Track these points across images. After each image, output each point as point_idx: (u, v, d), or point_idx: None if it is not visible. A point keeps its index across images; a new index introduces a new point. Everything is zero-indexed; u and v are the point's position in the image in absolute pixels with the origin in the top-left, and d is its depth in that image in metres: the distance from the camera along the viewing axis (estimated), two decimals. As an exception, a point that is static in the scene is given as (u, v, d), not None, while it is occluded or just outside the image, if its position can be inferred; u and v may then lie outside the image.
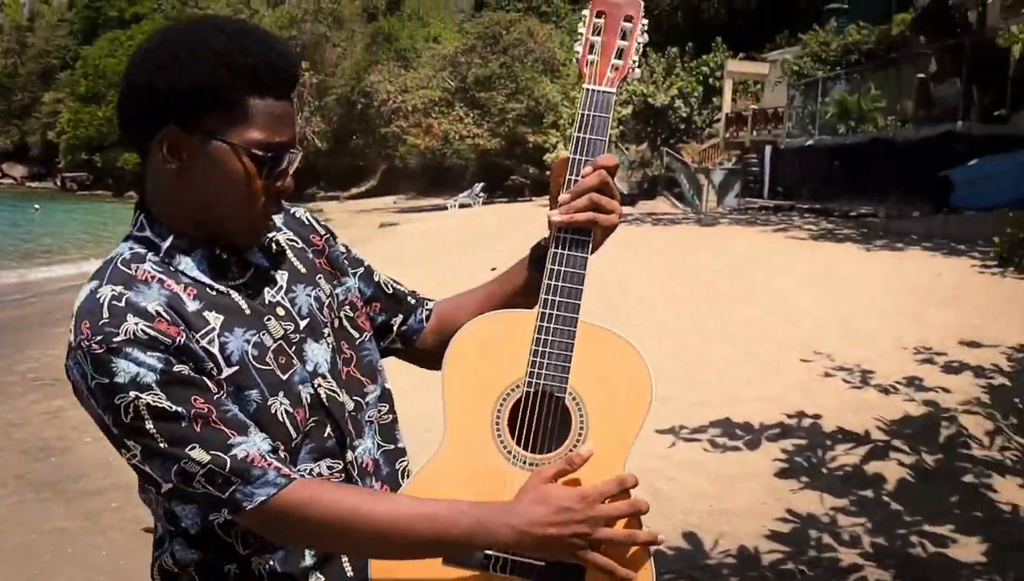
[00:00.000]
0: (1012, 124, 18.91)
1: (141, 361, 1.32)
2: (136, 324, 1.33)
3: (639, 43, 1.61)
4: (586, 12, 1.62)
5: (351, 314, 1.65)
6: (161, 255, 1.44)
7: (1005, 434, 6.38)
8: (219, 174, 1.41)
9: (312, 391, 1.49)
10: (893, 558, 4.80)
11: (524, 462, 1.47)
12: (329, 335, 1.57)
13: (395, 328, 1.75)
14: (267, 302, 1.51)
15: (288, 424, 1.44)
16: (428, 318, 1.78)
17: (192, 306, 1.40)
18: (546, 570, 1.44)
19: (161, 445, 1.32)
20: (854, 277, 11.43)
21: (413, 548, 1.39)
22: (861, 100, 22.84)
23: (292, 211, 1.67)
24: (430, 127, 37.98)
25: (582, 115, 1.57)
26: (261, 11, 53.25)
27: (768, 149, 27.14)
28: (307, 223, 1.67)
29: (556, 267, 1.52)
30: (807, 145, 24.52)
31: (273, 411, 1.43)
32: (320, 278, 1.61)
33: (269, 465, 1.35)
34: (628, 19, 1.60)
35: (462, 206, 37.80)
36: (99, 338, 1.31)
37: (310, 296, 1.57)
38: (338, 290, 1.65)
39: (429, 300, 1.82)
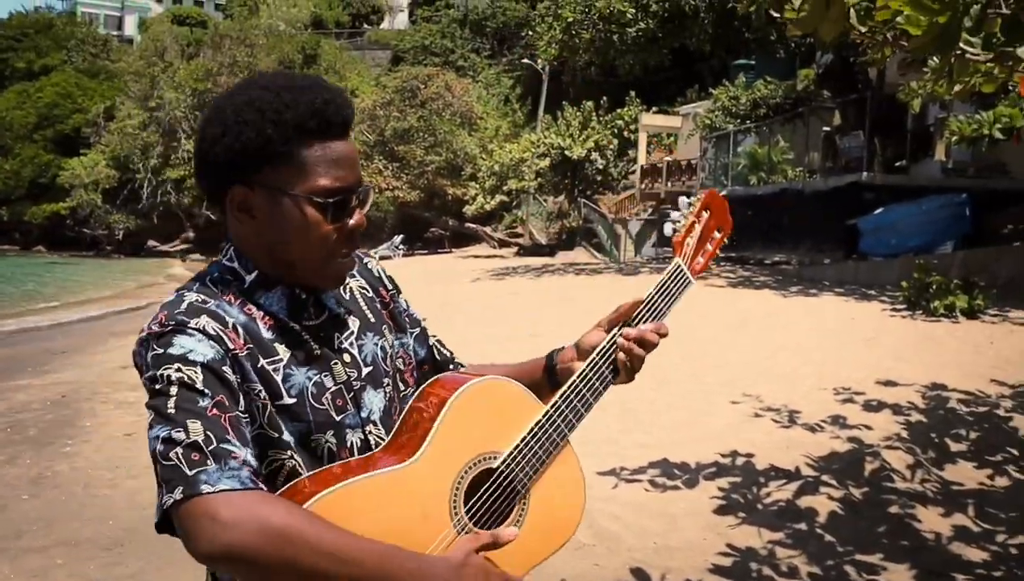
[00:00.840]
0: (912, 174, 19.86)
1: (199, 344, 1.43)
2: (208, 323, 1.46)
3: (718, 253, 1.92)
4: (698, 197, 1.90)
5: (400, 368, 1.74)
6: (245, 287, 1.56)
7: (925, 467, 6.75)
8: (286, 225, 1.51)
9: (362, 436, 1.60)
10: (829, 586, 5.08)
11: (459, 523, 1.52)
12: (388, 385, 1.68)
13: None
14: (336, 347, 1.61)
15: (326, 460, 1.54)
16: None
17: (267, 334, 1.53)
18: None
19: (170, 409, 1.37)
20: (774, 322, 11.87)
21: (343, 576, 1.35)
22: (771, 152, 23.70)
23: (365, 261, 1.78)
24: (349, 180, 38.13)
25: (665, 282, 1.81)
26: (176, 63, 52.80)
27: (683, 200, 27.87)
28: (377, 275, 1.79)
29: (578, 388, 1.68)
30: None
31: (314, 446, 1.54)
32: (385, 329, 1.72)
33: (249, 470, 1.37)
34: (720, 230, 1.90)
35: (382, 258, 37.84)
36: (172, 322, 1.45)
37: (376, 345, 1.68)
38: (395, 343, 1.75)
39: (462, 365, 1.90)
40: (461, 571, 1.43)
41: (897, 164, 20.35)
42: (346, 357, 1.62)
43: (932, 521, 5.98)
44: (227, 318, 1.50)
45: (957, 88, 5.87)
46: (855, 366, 9.21)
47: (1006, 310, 12.41)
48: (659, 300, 1.79)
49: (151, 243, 54.94)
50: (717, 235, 1.89)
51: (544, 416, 1.63)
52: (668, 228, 1.84)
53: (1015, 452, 7.18)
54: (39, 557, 5.63)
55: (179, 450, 1.35)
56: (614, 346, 1.74)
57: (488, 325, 12.13)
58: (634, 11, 17.73)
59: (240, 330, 1.50)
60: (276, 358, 1.52)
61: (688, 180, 29.78)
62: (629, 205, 35.01)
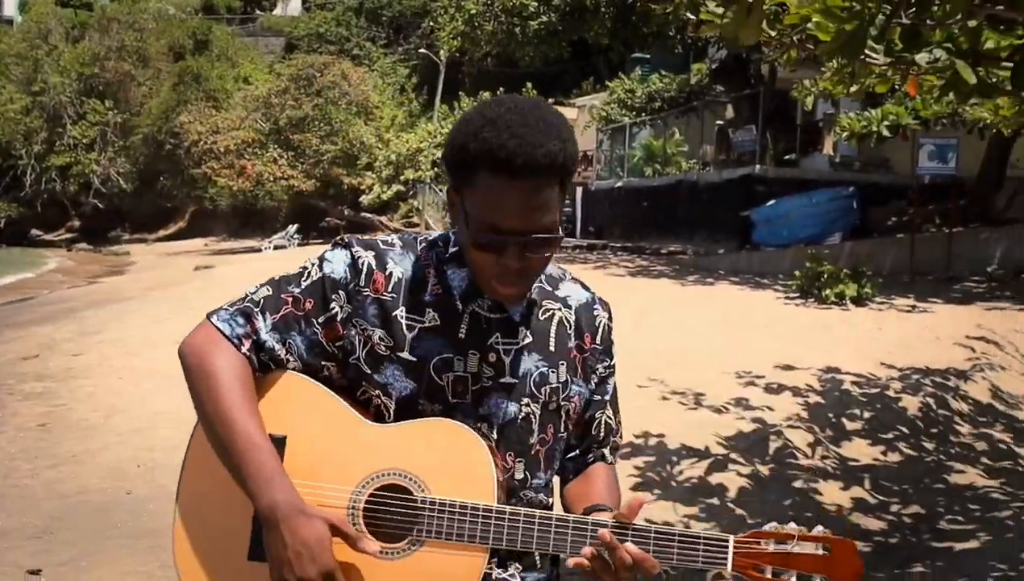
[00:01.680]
0: (802, 168, 20.63)
1: (340, 265, 1.69)
2: (369, 260, 1.69)
3: None
4: (825, 530, 1.67)
5: (570, 412, 1.78)
6: (445, 256, 1.72)
7: (824, 444, 7.16)
8: (461, 232, 1.67)
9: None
10: (742, 555, 5.39)
11: (355, 500, 1.63)
12: (530, 404, 1.72)
13: (570, 461, 1.86)
14: (486, 344, 1.69)
15: None
16: (582, 469, 1.87)
17: (426, 298, 1.69)
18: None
19: (272, 278, 1.74)
20: (674, 310, 12.27)
21: (220, 441, 1.60)
22: (666, 144, 24.30)
23: (595, 306, 1.83)
24: (243, 169, 37.45)
25: (696, 538, 1.61)
26: (60, 47, 51.10)
27: (579, 190, 28.34)
28: (596, 324, 1.82)
29: (554, 524, 1.62)
30: (616, 186, 25.78)
31: (420, 408, 1.66)
32: (563, 365, 1.75)
33: (249, 339, 1.67)
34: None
35: (277, 248, 37.38)
36: (354, 240, 1.72)
37: (538, 369, 1.73)
38: (573, 387, 1.77)
39: (608, 457, 1.90)
40: (297, 522, 1.53)
41: (787, 157, 21.11)
42: (491, 356, 1.70)
43: (833, 494, 6.37)
44: (393, 268, 1.70)
45: (854, 89, 6.26)
46: (754, 351, 9.61)
47: (891, 298, 13.06)
48: (662, 549, 1.62)
49: (35, 232, 53.08)
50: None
51: (485, 509, 1.61)
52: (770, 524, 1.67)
53: (905, 430, 7.66)
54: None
55: (242, 295, 1.74)
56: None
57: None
58: (536, 4, 17.96)
59: (396, 281, 1.69)
60: (418, 318, 1.68)
61: (584, 170, 30.23)
62: (526, 196, 35.35)
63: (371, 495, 1.62)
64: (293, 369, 1.70)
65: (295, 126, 38.28)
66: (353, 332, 1.68)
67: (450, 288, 1.70)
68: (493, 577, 1.72)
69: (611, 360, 1.85)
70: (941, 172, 15.18)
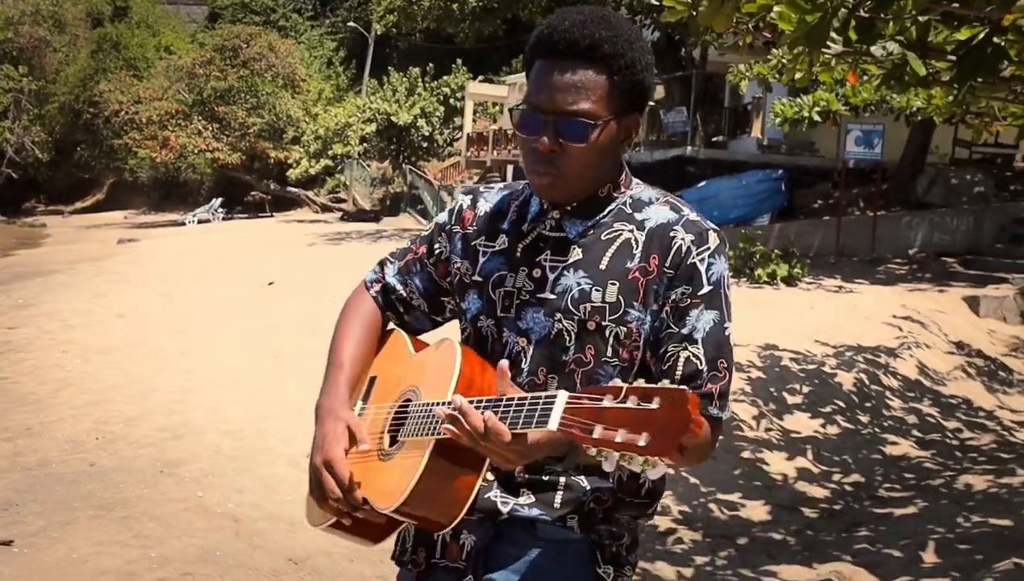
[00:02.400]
0: (730, 149, 21.09)
1: (445, 212, 1.96)
2: (464, 201, 1.93)
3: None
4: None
5: (623, 337, 1.71)
6: (532, 191, 1.84)
7: (767, 418, 7.48)
8: None
9: (515, 342, 1.77)
10: (699, 521, 5.67)
11: (375, 417, 1.89)
12: (564, 321, 1.71)
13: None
14: (536, 259, 1.76)
15: (489, 344, 1.80)
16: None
17: (504, 225, 1.85)
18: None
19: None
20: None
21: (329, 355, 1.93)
22: (597, 124, 24.57)
23: (675, 228, 1.72)
24: (167, 140, 36.78)
25: (530, 399, 1.53)
26: (-29, 11, 49.35)
27: (511, 168, 28.51)
28: (670, 247, 1.70)
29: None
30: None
31: (480, 325, 1.83)
32: (614, 285, 1.70)
33: (377, 285, 1.98)
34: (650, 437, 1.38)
35: (201, 221, 36.86)
36: (466, 188, 2.00)
37: (579, 285, 1.72)
38: (630, 311, 1.70)
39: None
40: (326, 419, 1.81)
41: (715, 139, 21.55)
42: (536, 272, 1.75)
43: (778, 464, 6.69)
44: (483, 203, 1.91)
45: (799, 76, 6.54)
46: (695, 328, 9.90)
47: (820, 278, 13.51)
48: (513, 412, 1.55)
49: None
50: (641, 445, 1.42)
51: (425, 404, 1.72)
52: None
53: (842, 404, 8.03)
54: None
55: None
56: None
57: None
58: (476, -19, 18.05)
59: (484, 214, 1.89)
60: (491, 244, 1.84)
61: (515, 149, 30.42)
62: (454, 173, 35.44)
63: (398, 409, 1.81)
64: (418, 306, 1.95)
65: (220, 98, 37.72)
66: (453, 268, 1.89)
67: (525, 216, 1.82)
68: (498, 505, 1.76)
69: (695, 289, 1.70)
70: (867, 157, 15.70)
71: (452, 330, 1.99)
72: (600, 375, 1.72)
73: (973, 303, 12.03)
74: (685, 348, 1.70)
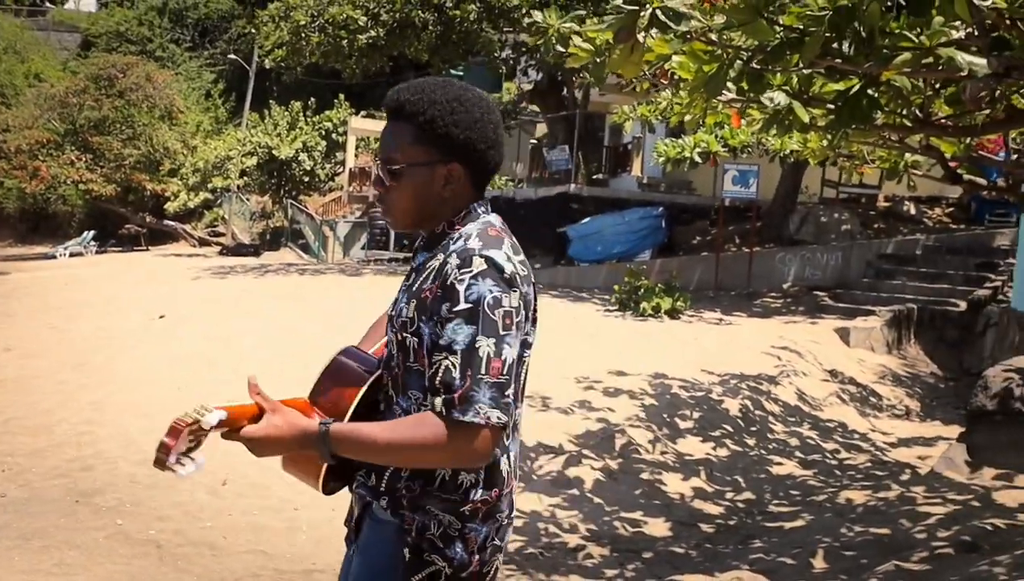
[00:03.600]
0: (612, 187, 21.76)
1: None
2: None
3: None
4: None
5: (415, 346, 2.01)
6: None
7: (662, 441, 7.85)
8: None
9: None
10: (606, 538, 5.96)
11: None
12: (390, 332, 2.10)
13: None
14: (402, 286, 2.14)
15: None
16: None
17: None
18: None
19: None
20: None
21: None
22: (482, 161, 24.97)
23: (450, 257, 1.96)
24: (37, 170, 35.63)
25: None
26: None
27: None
28: (443, 273, 1.96)
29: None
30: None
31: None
32: (413, 302, 2.01)
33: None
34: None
35: (73, 254, 35.81)
36: None
37: (400, 304, 2.07)
38: (420, 325, 2.00)
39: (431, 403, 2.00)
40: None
41: (595, 177, 22.19)
42: (396, 296, 2.15)
43: (675, 484, 7.05)
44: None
45: (689, 118, 7.00)
46: (586, 359, 10.27)
47: (701, 311, 14.10)
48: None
49: None
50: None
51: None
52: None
53: (729, 428, 8.47)
54: None
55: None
56: None
57: (247, 320, 12.25)
58: (365, 19, 18.19)
59: None
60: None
61: (398, 185, 30.55)
62: (336, 207, 35.35)
63: None
64: None
65: (95, 128, 36.74)
66: None
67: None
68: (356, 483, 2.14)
69: (452, 305, 1.91)
70: (743, 196, 16.47)
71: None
72: (408, 382, 2.04)
73: (844, 334, 12.73)
74: (446, 358, 1.91)
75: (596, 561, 5.58)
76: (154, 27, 48.30)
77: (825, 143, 7.45)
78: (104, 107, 36.80)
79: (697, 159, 13.98)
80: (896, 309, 13.45)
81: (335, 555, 5.45)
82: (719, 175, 16.99)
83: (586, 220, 18.99)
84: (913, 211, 19.19)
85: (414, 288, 2.03)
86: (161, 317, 12.84)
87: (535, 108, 26.26)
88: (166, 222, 38.39)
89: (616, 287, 14.37)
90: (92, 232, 38.47)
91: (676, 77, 6.03)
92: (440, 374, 1.90)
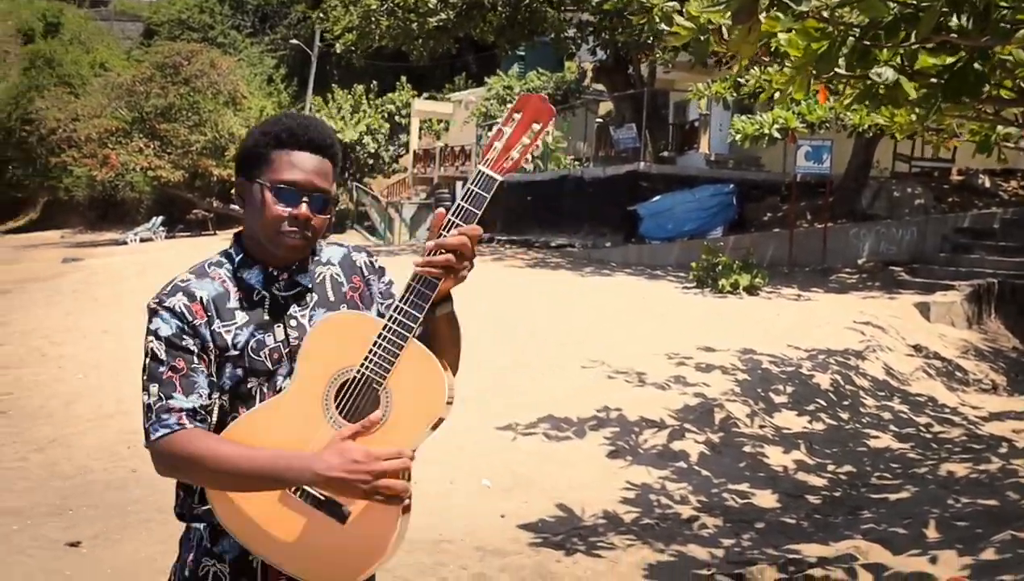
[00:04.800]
0: (679, 165, 21.76)
1: (164, 323, 2.00)
2: (178, 301, 2.03)
3: (540, 143, 2.15)
4: (509, 106, 2.27)
5: None
6: (235, 266, 2.11)
7: (759, 415, 7.98)
8: (255, 205, 2.06)
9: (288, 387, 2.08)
10: (717, 509, 6.13)
11: (334, 421, 1.99)
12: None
13: None
14: (287, 314, 2.12)
15: (256, 399, 2.07)
16: None
17: (232, 304, 2.08)
18: (327, 503, 1.96)
19: (144, 378, 2.00)
20: (586, 299, 12.98)
21: (244, 480, 1.95)
22: (547, 140, 25.10)
23: (352, 255, 2.23)
24: (107, 158, 36.39)
25: (468, 189, 2.01)
26: None
27: (460, 185, 28.88)
28: (356, 266, 2.22)
29: (407, 295, 1.99)
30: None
31: (249, 386, 2.06)
32: (343, 307, 2.16)
33: (178, 416, 1.95)
34: (538, 122, 2.04)
35: (143, 240, 36.57)
36: (156, 302, 2.04)
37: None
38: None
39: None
40: (324, 455, 1.92)
41: (662, 155, 22.20)
42: (292, 322, 2.12)
43: (777, 457, 7.19)
44: (198, 293, 2.05)
45: (777, 96, 7.09)
46: (674, 335, 10.40)
47: (778, 287, 14.13)
48: (466, 205, 2.01)
49: None
50: (536, 127, 2.04)
51: (382, 328, 1.99)
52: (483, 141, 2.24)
53: (823, 403, 8.57)
54: (-12, 523, 5.74)
55: (144, 411, 2.00)
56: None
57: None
58: (435, 2, 18.39)
59: (206, 302, 2.05)
60: (231, 322, 2.07)
61: (462, 165, 30.77)
62: (401, 189, 35.68)
63: (337, 409, 2.01)
64: (221, 401, 2.06)
65: (161, 115, 37.42)
66: (207, 358, 2.05)
67: (251, 287, 2.11)
68: None
69: (388, 277, 2.26)
70: (816, 172, 16.42)
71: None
72: None
73: (924, 309, 12.70)
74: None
75: (711, 531, 5.75)
76: (215, 14, 48.90)
77: (914, 117, 7.49)
78: (170, 94, 37.42)
79: (776, 135, 14.05)
80: (976, 283, 13.39)
81: (459, 525, 5.69)
82: (791, 151, 16.94)
83: (656, 198, 19.04)
84: (988, 184, 18.96)
85: (332, 299, 2.17)
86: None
87: (600, 87, 26.30)
88: (232, 207, 38.99)
89: (694, 265, 14.44)
90: (160, 218, 39.20)
91: (777, 55, 6.14)
92: None
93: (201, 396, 1.99)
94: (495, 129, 2.05)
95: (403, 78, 35.46)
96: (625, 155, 22.09)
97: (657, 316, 11.60)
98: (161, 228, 38.16)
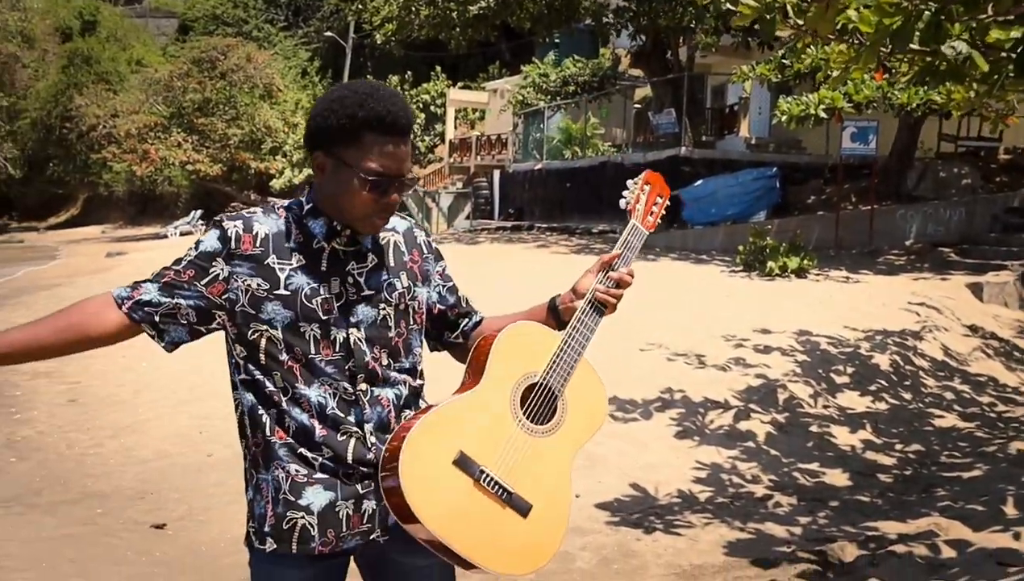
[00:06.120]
0: (719, 149, 21.68)
1: (212, 238, 2.12)
2: (235, 226, 2.12)
3: (663, 213, 2.49)
4: (641, 176, 2.46)
5: (417, 309, 2.28)
6: (302, 213, 2.17)
7: (823, 396, 7.98)
8: (342, 185, 2.10)
9: (345, 335, 2.15)
10: (790, 488, 6.14)
11: (520, 422, 2.14)
12: (385, 308, 2.20)
13: (461, 327, 2.43)
14: (344, 269, 2.16)
15: (311, 343, 2.12)
16: (477, 325, 2.45)
17: (289, 245, 2.13)
18: (514, 497, 2.09)
19: (171, 261, 2.14)
20: (636, 283, 12.97)
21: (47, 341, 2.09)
22: (585, 127, 25.08)
23: (415, 231, 2.33)
24: (147, 153, 36.78)
25: (627, 238, 2.37)
26: (-63, 28, 48.93)
27: (497, 173, 28.91)
28: (417, 242, 2.32)
29: (583, 318, 2.24)
30: (536, 169, 26.41)
31: (302, 330, 2.11)
32: (403, 274, 2.25)
33: (132, 295, 2.10)
34: (661, 196, 2.47)
35: (183, 234, 36.99)
36: (220, 218, 2.15)
37: (384, 281, 2.21)
38: (417, 290, 2.28)
39: (480, 313, 2.48)
40: None
41: (702, 139, 22.10)
42: (349, 279, 2.17)
43: (844, 437, 7.19)
44: (258, 228, 2.13)
45: (835, 74, 7.06)
46: (729, 318, 10.40)
47: (826, 270, 14.06)
48: (627, 252, 2.36)
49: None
50: (660, 201, 2.46)
51: (563, 342, 2.21)
52: (622, 202, 2.42)
53: (884, 383, 8.54)
54: (78, 508, 5.88)
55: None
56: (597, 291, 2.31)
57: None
58: (477, -10, 18.45)
59: (263, 237, 2.13)
60: (286, 261, 2.13)
61: (499, 154, 30.81)
62: (437, 178, 35.79)
63: (523, 411, 2.16)
64: (185, 318, 2.14)
65: (198, 109, 37.80)
66: (236, 285, 2.10)
67: (312, 234, 2.16)
68: None
69: (443, 261, 2.39)
70: (862, 153, 16.29)
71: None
72: (411, 341, 2.28)
73: (976, 290, 12.59)
74: (460, 292, 2.44)
75: (786, 509, 5.77)
76: (249, 8, 49.27)
77: (973, 94, 7.43)
78: (207, 89, 37.81)
79: (823, 115, 14.00)
80: (1029, 263, 13.27)
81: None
82: (833, 133, 16.82)
83: (699, 182, 18.98)
84: (1037, 163, 18.77)
85: (392, 264, 2.25)
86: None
87: (635, 72, 26.22)
88: (270, 199, 39.29)
89: (741, 248, 14.40)
90: (199, 211, 39.62)
91: (843, 32, 6.13)
92: (467, 302, 2.45)
93: (173, 300, 2.10)
94: (635, 189, 2.43)
95: (437, 68, 35.55)
96: (665, 140, 22.02)
97: (708, 299, 11.60)
98: (200, 221, 38.56)
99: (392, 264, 2.24)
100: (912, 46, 5.67)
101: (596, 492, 5.90)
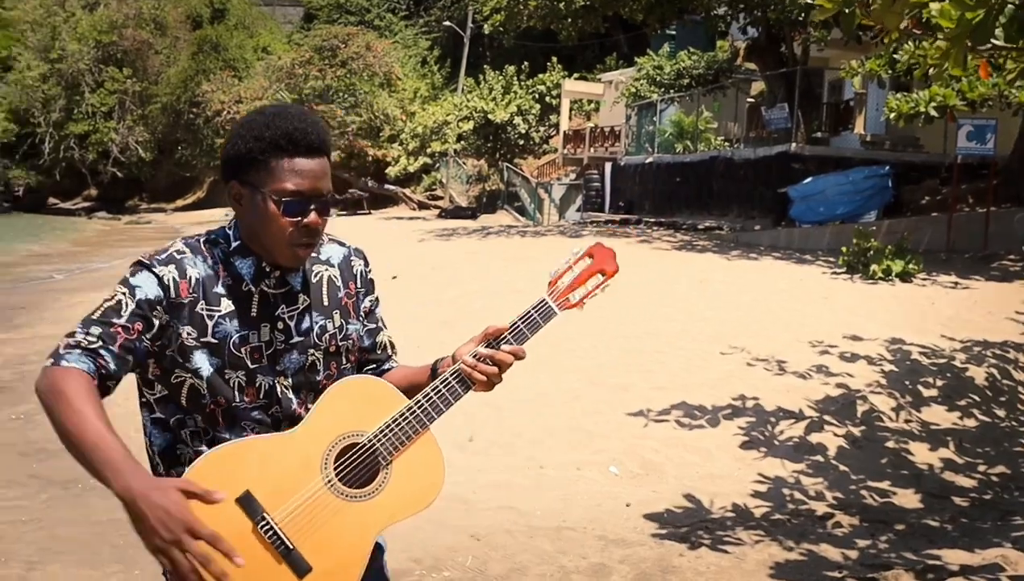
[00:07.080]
0: (833, 146, 21.04)
1: (148, 284, 1.96)
2: (170, 272, 1.98)
3: (597, 293, 2.19)
4: (581, 247, 2.19)
5: (351, 347, 2.19)
6: (229, 250, 2.05)
7: (906, 409, 7.63)
8: (258, 213, 1.99)
9: (271, 384, 2.05)
10: (854, 507, 5.89)
11: (328, 479, 1.96)
12: (315, 353, 2.11)
13: (373, 371, 2.28)
14: (274, 314, 2.07)
15: (235, 390, 2.02)
16: (382, 375, 2.26)
17: (219, 289, 2.02)
18: (293, 553, 1.90)
19: (90, 314, 1.94)
20: (731, 283, 12.70)
21: (76, 448, 1.82)
22: (697, 121, 24.66)
23: (352, 260, 2.21)
24: (269, 138, 37.79)
25: (529, 313, 2.11)
26: (78, 14, 51.19)
27: (608, 165, 28.67)
28: (355, 272, 2.21)
29: (440, 387, 2.05)
30: (647, 162, 26.11)
31: (227, 377, 2.01)
32: (336, 313, 2.15)
33: (98, 365, 1.88)
34: (603, 274, 2.18)
35: (300, 219, 37.84)
36: (148, 260, 1.99)
37: (317, 323, 2.12)
38: (349, 327, 2.18)
39: (392, 363, 2.32)
40: (151, 492, 1.75)
41: (815, 136, 21.49)
42: (279, 324, 2.08)
43: (923, 454, 6.86)
44: (191, 271, 2.01)
45: (932, 71, 6.70)
46: (820, 322, 10.07)
47: (934, 274, 13.49)
48: (523, 327, 2.10)
49: (52, 200, 53.44)
50: (599, 278, 2.17)
51: (407, 408, 2.02)
52: (552, 270, 2.18)
53: (976, 398, 8.12)
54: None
55: (67, 335, 1.93)
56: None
57: (476, 282, 12.69)
58: (584, -20, 18.31)
59: (195, 281, 2.01)
60: (215, 308, 2.02)
61: (611, 145, 30.56)
62: (550, 170, 35.76)
63: (335, 469, 1.97)
64: (128, 366, 1.96)
65: (319, 97, 38.61)
66: (169, 332, 1.99)
67: (240, 277, 2.05)
68: None
69: (375, 294, 2.27)
70: (979, 152, 15.57)
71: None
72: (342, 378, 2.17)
73: (1097, 300, 11.90)
74: (383, 333, 2.31)
75: (846, 530, 5.53)
76: (371, -3, 50.04)
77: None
78: (327, 77, 38.59)
79: (933, 113, 13.42)
80: None
81: (583, 512, 5.65)
82: (951, 131, 16.11)
83: (808, 180, 18.48)
84: None
85: (325, 303, 2.15)
86: (394, 278, 13.45)
87: (751, 66, 25.66)
88: (387, 186, 39.95)
89: (844, 249, 13.93)
90: (315, 197, 40.46)
91: (929, 27, 5.80)
92: (388, 346, 2.32)
93: (120, 370, 1.94)
94: (565, 262, 2.17)
95: (553, 59, 35.43)
96: (776, 136, 21.50)
97: (803, 303, 11.26)
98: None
99: (326, 303, 2.15)
100: (997, 42, 5.37)
101: (647, 502, 5.76)
